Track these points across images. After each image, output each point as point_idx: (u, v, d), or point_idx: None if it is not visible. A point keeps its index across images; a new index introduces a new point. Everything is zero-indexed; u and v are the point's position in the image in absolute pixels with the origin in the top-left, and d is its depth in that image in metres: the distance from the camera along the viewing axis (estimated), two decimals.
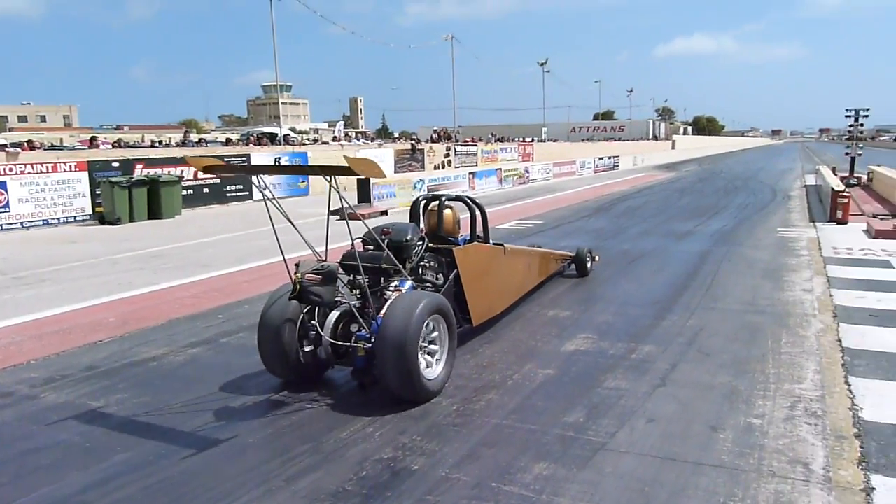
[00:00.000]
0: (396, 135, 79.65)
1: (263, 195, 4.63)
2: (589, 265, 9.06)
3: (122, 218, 15.68)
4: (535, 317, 7.00)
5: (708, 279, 8.69)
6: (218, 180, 19.65)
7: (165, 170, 17.74)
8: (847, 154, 23.81)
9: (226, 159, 20.08)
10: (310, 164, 21.72)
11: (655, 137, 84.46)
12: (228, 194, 20.07)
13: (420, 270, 5.67)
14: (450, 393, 4.92)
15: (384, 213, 17.02)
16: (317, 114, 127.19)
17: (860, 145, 23.70)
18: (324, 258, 4.94)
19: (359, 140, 32.75)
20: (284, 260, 4.89)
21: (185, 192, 18.03)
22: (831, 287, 8.04)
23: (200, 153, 20.33)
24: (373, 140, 37.06)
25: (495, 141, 41.50)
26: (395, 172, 25.09)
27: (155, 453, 4.07)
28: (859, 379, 5.07)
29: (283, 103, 55.62)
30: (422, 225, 6.36)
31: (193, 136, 31.60)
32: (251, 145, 25.79)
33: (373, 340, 4.68)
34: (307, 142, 35.23)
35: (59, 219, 15.42)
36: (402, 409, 4.62)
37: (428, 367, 4.85)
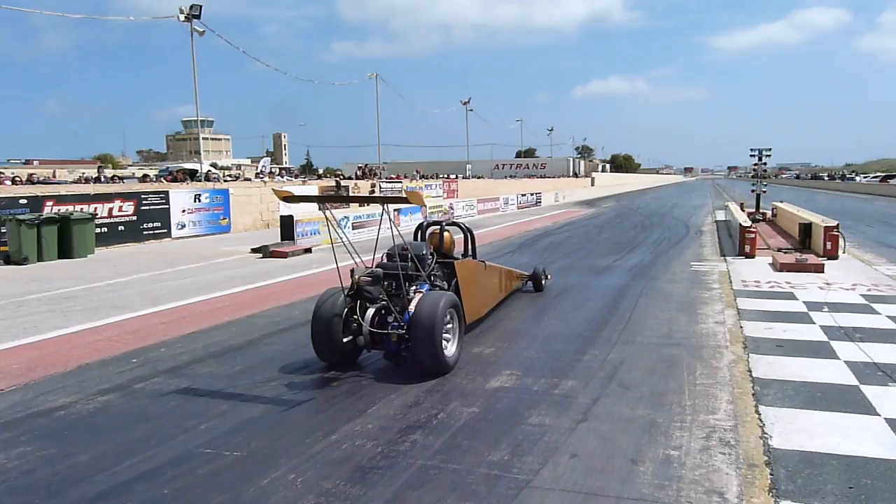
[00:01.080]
0: (321, 171, 79.21)
1: (327, 219, 6.40)
2: (544, 282, 10.68)
3: (30, 258, 14.93)
4: (460, 354, 7.00)
5: (627, 313, 8.94)
6: (134, 217, 19.06)
7: (78, 207, 17.06)
8: (753, 191, 25.07)
9: (142, 196, 19.53)
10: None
11: (576, 175, 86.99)
12: (145, 232, 19.47)
13: (432, 278, 7.12)
14: (373, 434, 4.85)
15: (308, 250, 16.82)
16: (239, 149, 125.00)
17: (764, 183, 24.97)
18: (371, 266, 6.63)
19: (282, 177, 32.32)
20: (337, 267, 6.32)
21: (99, 230, 17.38)
22: (741, 319, 8.40)
23: (113, 190, 19.68)
24: (296, 177, 36.62)
25: (420, 178, 41.84)
26: (319, 209, 24.87)
27: None
28: (768, 408, 5.28)
29: (204, 138, 54.51)
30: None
31: (108, 172, 30.49)
32: (169, 181, 25.11)
33: (405, 328, 6.11)
34: (229, 178, 34.56)
35: None
36: (324, 454, 4.53)
37: (445, 348, 6.24)
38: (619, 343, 7.39)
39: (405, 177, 41.63)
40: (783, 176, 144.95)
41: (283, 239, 17.47)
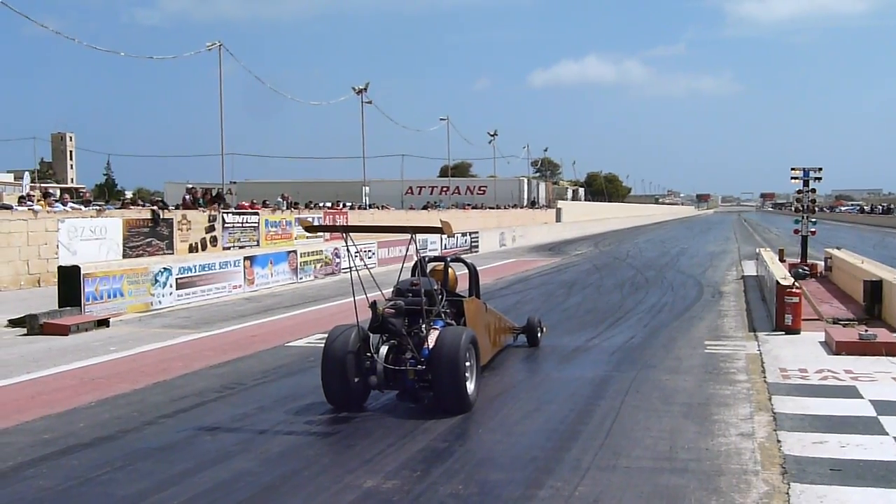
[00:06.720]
0: (129, 194, 77.86)
1: (348, 248, 9.85)
2: (539, 335, 13.52)
3: None
4: (343, 490, 6.95)
5: (606, 422, 9.05)
6: None
7: None
8: (797, 231, 25.81)
9: None
10: None
11: (533, 204, 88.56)
12: None
13: (441, 315, 9.95)
14: None
15: (103, 323, 16.40)
16: None
17: (813, 219, 25.64)
18: (394, 299, 9.75)
19: (64, 204, 31.48)
20: (354, 300, 9.48)
21: None
22: (779, 428, 8.62)
23: None
24: (88, 203, 35.66)
25: (288, 207, 41.54)
26: (124, 256, 24.43)
27: None
28: None
29: None
30: None
31: None
32: None
33: (423, 365, 8.91)
34: None
35: None
36: None
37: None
38: (594, 469, 7.46)
39: (265, 205, 41.26)
40: (842, 209, 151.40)
41: (62, 304, 16.95)
